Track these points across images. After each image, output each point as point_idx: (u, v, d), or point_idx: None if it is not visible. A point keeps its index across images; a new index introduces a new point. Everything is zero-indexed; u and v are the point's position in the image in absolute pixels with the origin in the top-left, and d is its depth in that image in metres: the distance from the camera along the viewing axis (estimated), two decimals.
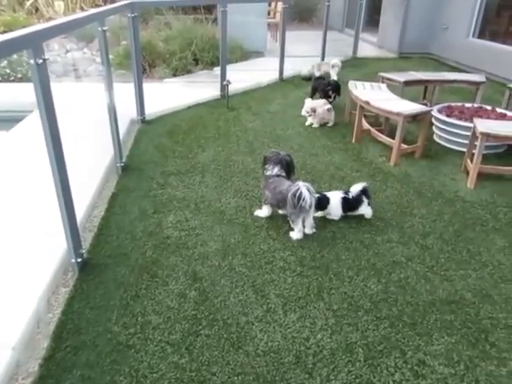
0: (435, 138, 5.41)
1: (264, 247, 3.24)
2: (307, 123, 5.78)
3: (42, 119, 2.45)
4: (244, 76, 8.13)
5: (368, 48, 12.01)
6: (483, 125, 4.16)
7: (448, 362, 2.33)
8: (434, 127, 5.38)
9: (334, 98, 6.43)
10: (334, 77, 7.33)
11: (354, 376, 2.23)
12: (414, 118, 4.65)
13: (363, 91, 5.32)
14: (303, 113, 5.81)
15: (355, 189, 3.56)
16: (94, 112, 4.68)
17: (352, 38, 10.80)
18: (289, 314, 2.62)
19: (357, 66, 9.69)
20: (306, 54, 9.99)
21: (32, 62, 2.27)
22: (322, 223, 3.54)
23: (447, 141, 5.19)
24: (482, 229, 3.55)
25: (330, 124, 5.76)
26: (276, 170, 3.43)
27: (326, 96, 6.37)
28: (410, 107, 4.68)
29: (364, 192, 3.55)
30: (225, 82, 6.52)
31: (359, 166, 4.64)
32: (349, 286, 2.87)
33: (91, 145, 4.79)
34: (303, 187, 3.09)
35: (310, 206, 3.14)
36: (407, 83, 5.93)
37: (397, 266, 3.08)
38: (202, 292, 2.77)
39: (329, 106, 5.70)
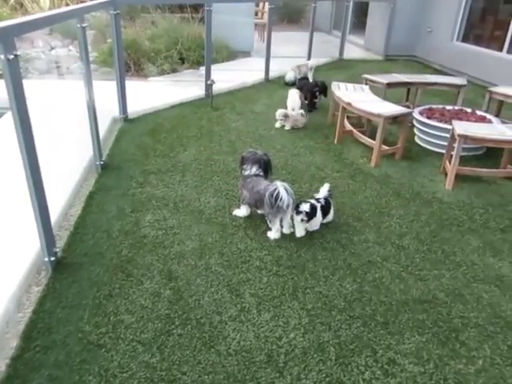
0: (416, 139, 5.46)
1: (241, 246, 3.24)
2: (286, 128, 5.74)
3: (13, 116, 2.41)
4: (230, 76, 8.13)
5: (355, 50, 12.10)
6: (461, 127, 4.21)
7: (418, 360, 2.36)
8: (415, 129, 5.44)
9: (319, 98, 6.49)
10: (310, 78, 7.39)
11: (324, 375, 2.24)
12: (395, 119, 4.69)
13: (346, 92, 5.35)
14: (277, 116, 5.72)
15: (323, 193, 3.54)
16: (75, 110, 4.64)
17: (339, 39, 10.87)
18: (263, 314, 2.62)
19: (343, 68, 9.77)
20: (293, 54, 10.02)
21: (2, 57, 2.23)
22: None
23: (428, 142, 5.25)
24: (457, 229, 3.59)
25: (300, 126, 5.75)
26: (254, 169, 3.44)
27: (312, 97, 6.40)
28: (391, 109, 4.72)
29: (330, 193, 3.56)
30: (209, 82, 6.51)
31: (340, 166, 4.67)
32: (324, 286, 2.88)
33: (71, 143, 4.74)
34: (281, 187, 3.09)
35: (288, 206, 3.15)
36: (390, 85, 6.00)
37: (372, 265, 3.11)
38: (176, 291, 2.76)
39: (301, 110, 5.74)
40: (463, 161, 4.58)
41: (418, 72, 8.48)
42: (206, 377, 2.20)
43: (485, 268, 3.13)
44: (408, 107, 5.88)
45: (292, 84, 7.79)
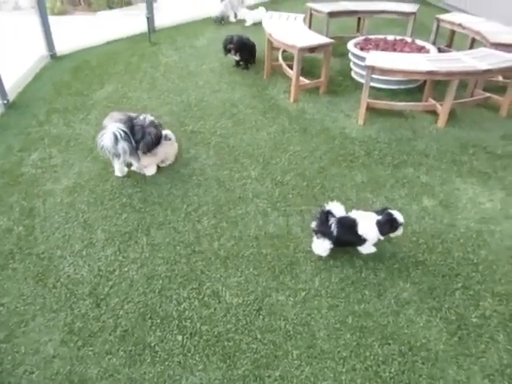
0: (352, 74, 5.20)
1: (115, 184, 3.23)
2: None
3: None
4: (186, 8, 7.73)
5: None
6: (372, 58, 3.98)
7: (241, 292, 2.39)
8: (351, 63, 5.16)
9: (247, 62, 5.24)
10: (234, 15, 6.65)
11: (140, 306, 2.30)
12: (313, 50, 4.44)
13: (272, 22, 5.05)
14: None
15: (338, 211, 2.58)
16: None
17: None
18: (106, 249, 2.65)
19: None
20: None
21: None
22: (186, 160, 3.51)
23: (360, 76, 4.99)
24: (348, 165, 3.51)
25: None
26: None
27: (228, 52, 5.11)
28: (309, 39, 4.45)
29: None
30: (146, 15, 6.19)
31: (257, 102, 4.52)
32: (181, 222, 2.88)
33: None
34: (107, 133, 2.96)
35: (116, 155, 3.04)
36: (332, 14, 5.64)
37: (241, 202, 3.08)
38: (29, 227, 2.80)
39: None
40: (392, 94, 4.42)
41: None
42: (23, 308, 2.27)
43: (356, 204, 3.06)
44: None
45: (220, 21, 6.94)
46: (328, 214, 2.49)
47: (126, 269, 2.52)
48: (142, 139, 3.09)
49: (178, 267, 2.54)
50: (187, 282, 2.45)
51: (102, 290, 2.39)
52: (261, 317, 2.25)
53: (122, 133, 2.97)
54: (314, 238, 2.57)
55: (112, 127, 2.98)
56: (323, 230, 2.48)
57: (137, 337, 2.15)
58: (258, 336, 2.16)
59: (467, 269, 2.55)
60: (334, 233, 2.45)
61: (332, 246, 2.51)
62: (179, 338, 2.14)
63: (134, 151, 3.09)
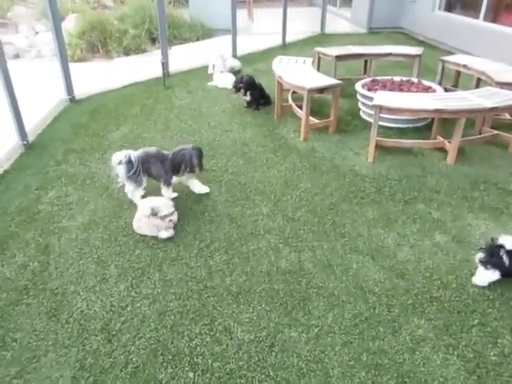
0: (361, 113, 5.33)
1: (129, 220, 3.28)
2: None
3: None
4: (199, 54, 8.07)
5: (342, 24, 11.77)
6: (380, 98, 4.09)
7: (253, 328, 2.37)
8: (359, 103, 5.30)
9: (257, 102, 5.46)
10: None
11: (152, 342, 2.29)
12: (321, 91, 4.58)
13: (281, 65, 5.25)
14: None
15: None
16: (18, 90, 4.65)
17: (332, 14, 10.59)
18: (119, 284, 2.67)
19: (320, 43, 9.48)
20: (273, 31, 9.83)
21: None
22: (198, 197, 3.57)
23: (369, 115, 5.11)
24: (359, 201, 3.53)
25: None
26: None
27: (238, 91, 5.46)
28: (318, 81, 4.61)
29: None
30: (161, 60, 6.48)
31: (267, 141, 4.62)
32: (194, 258, 2.90)
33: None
34: (115, 155, 3.28)
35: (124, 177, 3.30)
36: (339, 57, 5.86)
37: (253, 238, 3.10)
38: (43, 263, 2.84)
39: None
40: (401, 133, 4.51)
41: (400, 44, 8.12)
42: (35, 343, 2.28)
43: (368, 239, 3.08)
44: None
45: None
46: (500, 247, 2.58)
47: (139, 304, 2.52)
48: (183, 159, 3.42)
49: (190, 303, 2.54)
50: (199, 317, 2.44)
51: (114, 325, 2.38)
52: (273, 353, 2.22)
53: (124, 157, 3.24)
54: (481, 269, 2.63)
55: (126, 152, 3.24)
56: (495, 262, 2.56)
57: (148, 373, 2.12)
58: (271, 373, 2.12)
59: (483, 305, 2.50)
60: (506, 264, 2.54)
61: (499, 277, 2.59)
62: (191, 374, 2.11)
63: (129, 177, 3.30)
